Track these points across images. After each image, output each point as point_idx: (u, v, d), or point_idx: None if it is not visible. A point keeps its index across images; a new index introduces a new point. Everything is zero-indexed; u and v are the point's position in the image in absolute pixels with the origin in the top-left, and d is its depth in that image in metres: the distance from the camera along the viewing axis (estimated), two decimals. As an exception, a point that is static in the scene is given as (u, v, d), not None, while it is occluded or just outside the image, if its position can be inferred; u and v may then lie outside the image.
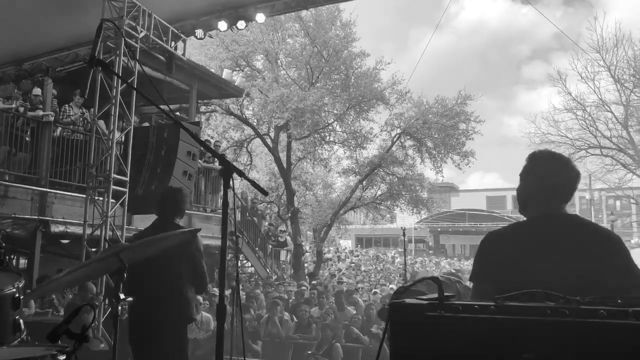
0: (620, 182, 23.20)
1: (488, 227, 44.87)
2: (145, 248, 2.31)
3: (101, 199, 8.17)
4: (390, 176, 20.35)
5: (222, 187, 2.29)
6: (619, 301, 1.53)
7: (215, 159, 13.78)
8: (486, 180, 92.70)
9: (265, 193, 2.63)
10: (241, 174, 2.32)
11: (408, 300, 1.52)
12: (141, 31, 8.33)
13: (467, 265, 32.33)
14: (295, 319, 9.15)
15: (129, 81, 7.90)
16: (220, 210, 9.79)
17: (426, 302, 1.50)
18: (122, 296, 2.17)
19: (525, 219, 2.30)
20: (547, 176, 2.25)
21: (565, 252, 2.02)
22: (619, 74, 22.27)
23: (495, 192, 58.58)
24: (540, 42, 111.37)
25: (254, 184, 2.41)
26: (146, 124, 10.49)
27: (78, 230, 8.79)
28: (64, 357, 1.84)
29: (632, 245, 20.47)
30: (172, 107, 13.27)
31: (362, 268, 26.14)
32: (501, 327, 1.45)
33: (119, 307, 2.17)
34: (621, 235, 2.31)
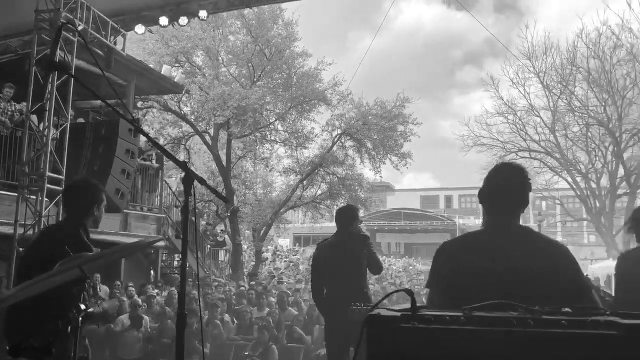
0: (548, 185, 24.37)
1: (422, 226, 46.06)
2: (107, 258, 2.24)
3: (34, 197, 7.83)
4: (331, 176, 20.53)
5: (183, 192, 2.26)
6: (568, 310, 1.62)
7: (154, 160, 13.46)
8: (420, 180, 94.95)
9: (226, 201, 2.61)
10: (202, 181, 2.31)
11: (383, 313, 1.56)
12: (79, 25, 8.04)
13: (401, 263, 33.07)
14: (236, 321, 9.09)
15: (68, 76, 7.58)
16: (157, 210, 9.55)
17: (400, 314, 1.54)
18: (82, 307, 2.10)
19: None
20: (501, 188, 2.34)
21: (518, 263, 2.12)
22: (547, 80, 23.40)
23: (429, 192, 60.12)
24: (473, 47, 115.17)
25: (214, 191, 2.39)
26: (81, 120, 10.10)
27: (7, 230, 8.36)
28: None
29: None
30: (108, 103, 12.83)
31: (302, 267, 26.20)
32: (471, 338, 1.50)
33: (79, 319, 2.10)
34: (547, 234, 2.45)
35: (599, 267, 19.99)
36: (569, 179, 23.59)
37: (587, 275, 3.65)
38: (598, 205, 22.76)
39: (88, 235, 3.15)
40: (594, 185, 23.35)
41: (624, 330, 1.43)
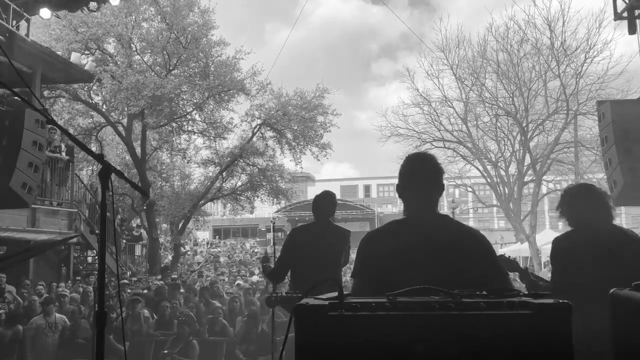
0: (460, 173, 25.39)
1: (342, 215, 46.66)
2: (19, 257, 2.10)
3: None
4: (251, 167, 20.37)
5: (99, 186, 2.16)
6: (484, 292, 1.70)
7: (61, 152, 12.81)
8: (339, 170, 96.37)
9: (145, 194, 2.52)
10: (120, 174, 2.22)
11: (311, 302, 1.57)
12: (-24, 6, 7.49)
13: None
14: (155, 316, 8.85)
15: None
16: (68, 204, 9.14)
17: (327, 302, 1.55)
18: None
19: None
20: (414, 177, 2.41)
21: (437, 249, 2.19)
22: (460, 72, 24.31)
23: (348, 181, 61.23)
24: (389, 40, 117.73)
25: (133, 185, 2.30)
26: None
27: None
28: None
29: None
30: (15, 91, 12.03)
31: (222, 259, 25.92)
32: (395, 323, 1.54)
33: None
34: (459, 220, 2.56)
35: (508, 251, 21.19)
36: (480, 167, 24.66)
37: (511, 257, 3.84)
38: (507, 191, 23.98)
39: None
40: (502, 173, 24.56)
41: (535, 309, 1.52)
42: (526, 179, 23.95)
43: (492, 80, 24.20)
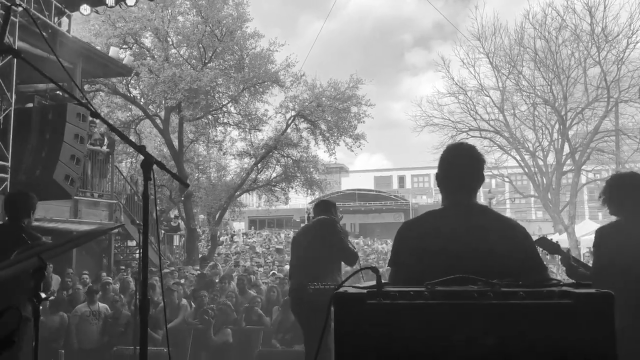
0: (497, 163, 24.99)
1: (376, 206, 46.62)
2: (66, 246, 2.19)
3: (-22, 186, 7.54)
4: (285, 158, 20.48)
5: (142, 178, 2.22)
6: (520, 282, 1.69)
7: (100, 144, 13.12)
8: (373, 161, 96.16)
9: (185, 184, 2.57)
10: (161, 165, 2.28)
11: (350, 290, 1.59)
12: (20, 4, 7.70)
13: (355, 242, 33.41)
14: (193, 305, 9.02)
15: (16, 58, 7.27)
16: (108, 195, 9.34)
17: (366, 290, 1.57)
18: (43, 295, 2.05)
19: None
20: (455, 166, 2.40)
21: (476, 239, 2.18)
22: (496, 60, 23.87)
23: (382, 172, 60.99)
24: (422, 30, 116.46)
25: (174, 175, 2.36)
26: (30, 105, 9.71)
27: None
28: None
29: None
30: (53, 86, 12.37)
31: (258, 250, 26.21)
32: (434, 311, 1.56)
33: (40, 307, 2.05)
34: (497, 210, 2.54)
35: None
36: (517, 157, 24.25)
37: (558, 243, 3.83)
38: (545, 181, 23.51)
39: None
40: (540, 163, 24.08)
41: (576, 299, 1.51)
42: (565, 168, 23.41)
43: (529, 68, 23.70)
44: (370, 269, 1.66)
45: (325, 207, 5.32)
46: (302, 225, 5.54)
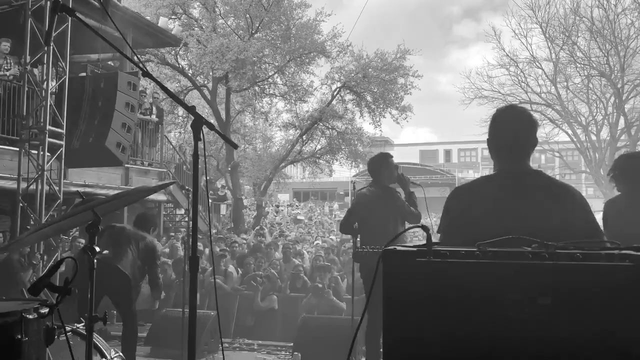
0: (548, 137, 24.25)
1: (421, 180, 45.91)
2: (119, 201, 2.25)
3: (35, 152, 7.80)
4: (330, 130, 20.39)
5: (192, 138, 2.25)
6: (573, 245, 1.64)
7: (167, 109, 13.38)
8: (418, 134, 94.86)
9: (234, 146, 2.59)
10: (211, 126, 2.30)
11: (399, 247, 1.57)
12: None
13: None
14: (240, 271, 9.21)
15: (72, 17, 7.42)
16: (158, 164, 9.54)
17: (416, 248, 1.56)
18: (97, 249, 2.12)
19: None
20: (507, 129, 2.31)
21: (530, 202, 2.12)
22: (550, 31, 23.01)
23: (427, 146, 60.09)
24: (471, 1, 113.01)
25: (223, 136, 2.38)
26: (83, 74, 9.95)
27: (8, 184, 8.36)
28: (47, 310, 1.78)
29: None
30: (104, 56, 12.63)
31: (301, 217, 26.45)
32: (487, 271, 1.52)
33: (94, 260, 2.12)
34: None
35: (597, 219, 20.15)
36: (569, 131, 23.50)
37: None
38: (597, 157, 22.73)
39: None
40: (593, 138, 23.28)
41: (637, 261, 1.45)
42: (619, 144, 22.54)
43: (585, 39, 22.78)
44: (421, 227, 1.63)
45: (372, 167, 5.44)
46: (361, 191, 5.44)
